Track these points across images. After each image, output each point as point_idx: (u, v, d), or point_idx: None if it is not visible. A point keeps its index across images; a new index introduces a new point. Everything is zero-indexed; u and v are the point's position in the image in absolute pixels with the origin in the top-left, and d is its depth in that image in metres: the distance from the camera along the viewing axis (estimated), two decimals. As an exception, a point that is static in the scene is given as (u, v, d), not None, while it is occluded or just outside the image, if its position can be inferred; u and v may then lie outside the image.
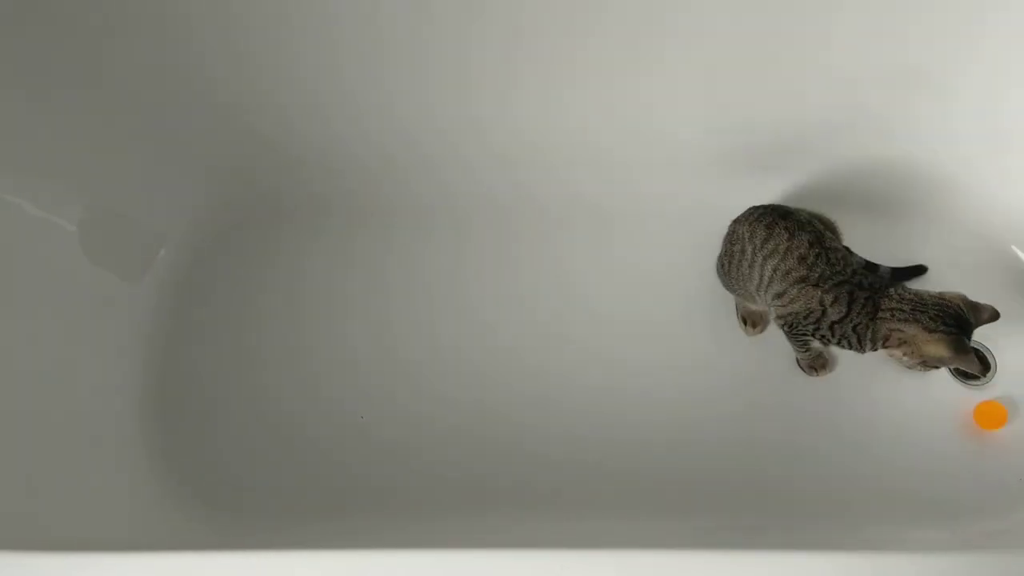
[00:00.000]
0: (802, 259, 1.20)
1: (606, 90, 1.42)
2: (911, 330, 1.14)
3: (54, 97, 1.35)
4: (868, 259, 1.38)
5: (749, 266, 1.26)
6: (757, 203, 1.31)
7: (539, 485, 1.32)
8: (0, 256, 1.27)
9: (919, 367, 1.19)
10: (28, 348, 1.27)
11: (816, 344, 1.29)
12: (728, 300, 1.43)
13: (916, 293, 1.17)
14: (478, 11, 1.30)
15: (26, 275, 1.31)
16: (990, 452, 1.31)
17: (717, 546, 0.88)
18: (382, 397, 1.41)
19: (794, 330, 1.25)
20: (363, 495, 1.32)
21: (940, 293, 1.16)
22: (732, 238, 1.30)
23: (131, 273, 1.48)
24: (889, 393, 1.35)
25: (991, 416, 1.32)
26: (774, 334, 1.40)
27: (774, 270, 1.22)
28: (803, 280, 1.20)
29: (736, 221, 1.30)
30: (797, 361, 1.38)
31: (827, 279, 1.19)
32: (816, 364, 1.37)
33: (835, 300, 1.18)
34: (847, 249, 1.27)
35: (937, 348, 1.13)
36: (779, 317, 1.27)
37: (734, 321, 1.44)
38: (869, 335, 1.18)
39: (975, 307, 1.14)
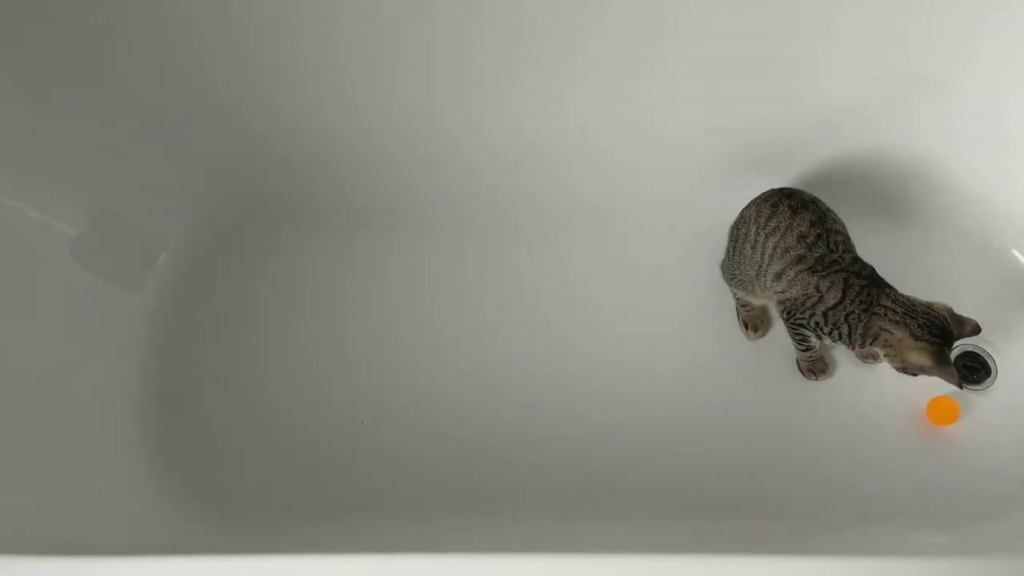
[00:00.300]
0: (802, 237, 1.21)
1: (606, 90, 1.41)
2: (899, 334, 1.15)
3: (54, 97, 1.35)
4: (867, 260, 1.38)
5: (752, 247, 1.26)
6: (757, 203, 1.31)
7: (538, 487, 1.32)
8: (0, 257, 1.27)
9: (901, 371, 1.19)
10: (28, 349, 1.27)
11: (815, 341, 1.29)
12: (729, 301, 1.43)
13: (908, 299, 1.17)
14: (478, 11, 1.30)
15: (26, 276, 1.31)
16: (989, 453, 1.31)
17: (716, 550, 0.88)
18: (381, 398, 1.41)
19: (792, 317, 1.26)
20: (363, 496, 1.32)
21: (929, 303, 1.17)
22: (739, 223, 1.31)
23: (131, 274, 1.48)
24: (888, 396, 1.35)
25: (944, 412, 1.33)
26: (774, 338, 1.40)
27: (774, 247, 1.23)
28: (800, 260, 1.20)
29: (744, 208, 1.31)
30: (797, 363, 1.38)
31: (824, 262, 1.19)
32: (816, 368, 1.37)
33: (831, 286, 1.18)
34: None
35: (920, 356, 1.14)
36: (779, 303, 1.28)
37: (735, 322, 1.44)
38: (860, 328, 1.18)
39: (959, 320, 1.16)
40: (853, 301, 1.18)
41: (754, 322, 1.42)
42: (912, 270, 1.20)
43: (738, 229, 1.31)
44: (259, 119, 1.46)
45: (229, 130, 1.47)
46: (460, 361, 1.44)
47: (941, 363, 1.13)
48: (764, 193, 1.30)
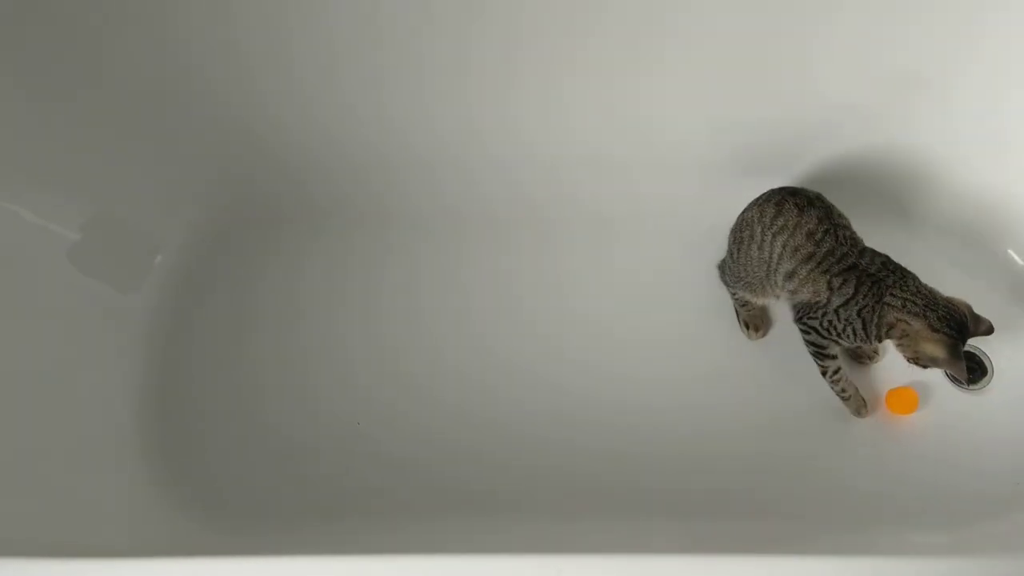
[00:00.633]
0: (810, 235, 1.21)
1: (606, 90, 1.41)
2: (917, 324, 1.14)
3: (54, 98, 1.35)
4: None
5: (759, 248, 1.26)
6: (757, 204, 1.30)
7: (536, 488, 1.32)
8: (0, 257, 1.27)
9: (911, 361, 1.19)
10: (28, 350, 1.27)
11: (833, 362, 1.29)
12: (729, 301, 1.43)
13: (929, 290, 1.17)
14: (478, 11, 1.30)
15: (26, 278, 1.31)
16: (988, 453, 1.31)
17: (716, 550, 0.88)
18: (380, 399, 1.40)
19: (803, 319, 1.26)
20: (361, 497, 1.32)
21: (949, 297, 1.16)
22: (740, 226, 1.30)
23: (130, 275, 1.48)
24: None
25: (903, 401, 1.33)
26: (775, 338, 1.40)
27: (783, 246, 1.23)
28: (810, 257, 1.20)
29: (743, 211, 1.31)
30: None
31: (834, 257, 1.19)
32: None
33: (843, 283, 1.18)
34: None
35: (936, 348, 1.13)
36: (792, 307, 1.28)
37: (735, 323, 1.44)
38: (875, 320, 1.18)
39: (976, 318, 1.16)
40: (865, 295, 1.18)
41: (755, 322, 1.42)
42: (910, 269, 1.20)
43: (741, 232, 1.30)
44: (258, 121, 1.46)
45: (228, 132, 1.47)
46: (458, 362, 1.44)
47: (955, 357, 1.13)
48: (764, 194, 1.29)
